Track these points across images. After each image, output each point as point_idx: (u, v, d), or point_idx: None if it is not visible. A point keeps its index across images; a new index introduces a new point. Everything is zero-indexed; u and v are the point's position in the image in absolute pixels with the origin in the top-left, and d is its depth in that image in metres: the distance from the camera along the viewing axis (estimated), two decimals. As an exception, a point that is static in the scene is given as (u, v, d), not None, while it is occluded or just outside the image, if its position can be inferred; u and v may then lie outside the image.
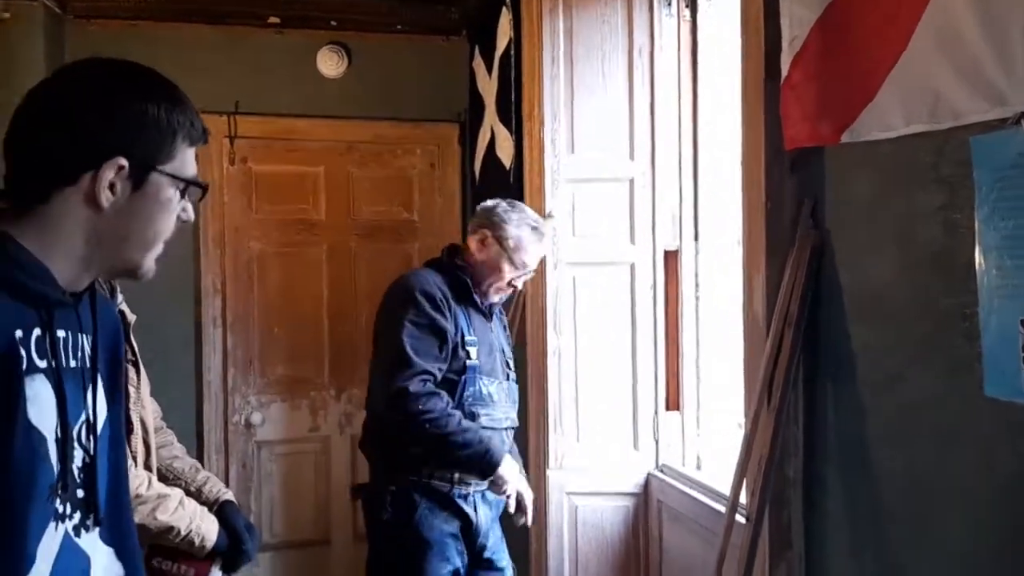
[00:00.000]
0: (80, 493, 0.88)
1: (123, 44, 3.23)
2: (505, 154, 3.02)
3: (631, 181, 2.52)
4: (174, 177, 0.88)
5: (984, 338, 0.97)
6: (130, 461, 1.46)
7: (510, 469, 1.93)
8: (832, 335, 1.35)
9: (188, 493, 1.64)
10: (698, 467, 2.44)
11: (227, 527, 1.57)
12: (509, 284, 2.07)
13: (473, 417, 1.94)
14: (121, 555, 0.96)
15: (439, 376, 1.91)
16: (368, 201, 3.52)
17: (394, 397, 1.85)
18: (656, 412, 2.47)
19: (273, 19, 3.35)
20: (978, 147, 0.96)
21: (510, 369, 2.12)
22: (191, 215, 0.95)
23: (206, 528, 1.52)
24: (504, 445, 2.00)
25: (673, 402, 2.50)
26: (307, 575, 3.40)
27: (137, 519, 1.42)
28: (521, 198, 2.69)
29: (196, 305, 3.32)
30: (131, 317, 1.61)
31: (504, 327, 2.21)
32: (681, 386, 2.50)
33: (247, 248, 3.38)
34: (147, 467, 1.57)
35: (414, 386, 1.84)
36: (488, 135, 3.22)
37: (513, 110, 2.85)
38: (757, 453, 1.39)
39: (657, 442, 2.46)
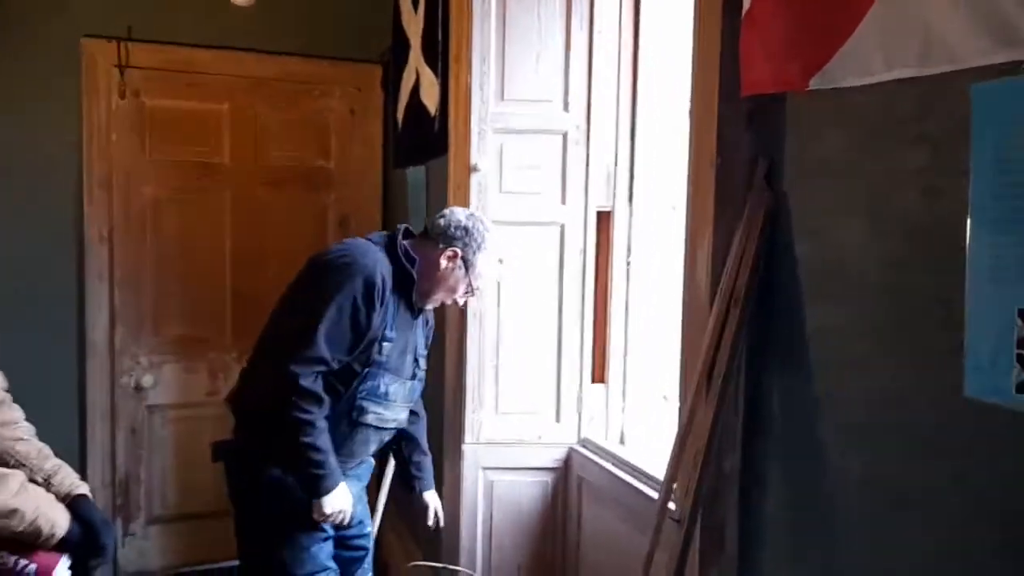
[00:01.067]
0: None
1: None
2: (430, 100, 2.76)
3: (564, 135, 2.32)
4: None
5: (969, 328, 0.83)
6: None
7: (336, 500, 1.82)
8: (784, 315, 1.19)
9: (36, 484, 1.40)
10: (621, 442, 2.32)
11: (81, 520, 1.36)
12: (457, 299, 1.98)
13: (361, 411, 1.87)
14: None
15: (335, 367, 1.79)
16: (279, 146, 3.21)
17: (281, 376, 1.74)
18: (580, 384, 2.32)
19: (175, -65, 2.97)
20: (980, 97, 0.80)
21: (419, 368, 2.00)
22: None
23: (56, 515, 1.30)
24: (367, 450, 1.97)
25: (599, 374, 2.36)
26: (204, 549, 3.15)
27: None
28: (445, 148, 2.46)
29: (79, 257, 2.97)
30: None
31: (426, 324, 2.06)
32: (608, 357, 2.35)
33: (139, 194, 3.04)
34: None
35: (304, 379, 1.75)
36: (413, 78, 2.95)
37: (440, 51, 2.59)
38: (692, 446, 1.24)
39: (580, 415, 2.32)
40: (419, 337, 2.00)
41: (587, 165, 2.32)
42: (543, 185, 2.33)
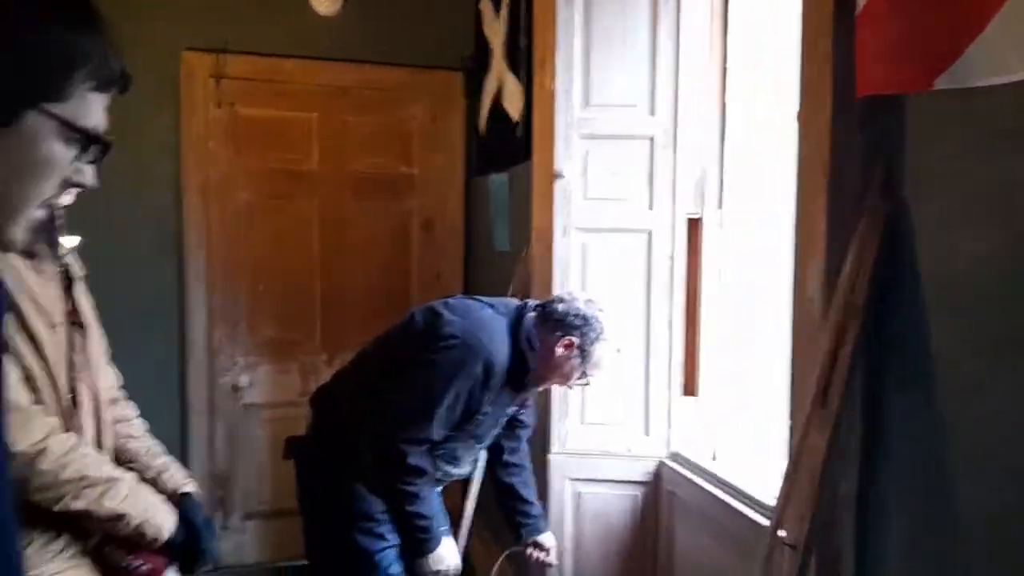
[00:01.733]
0: None
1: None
2: (513, 106, 2.75)
3: (651, 139, 2.27)
4: (63, 122, 0.67)
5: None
6: (76, 438, 1.27)
7: (440, 557, 1.89)
8: (905, 332, 1.12)
9: (143, 479, 1.46)
10: (714, 458, 2.25)
11: (185, 522, 1.40)
12: (565, 384, 1.98)
13: (433, 463, 1.91)
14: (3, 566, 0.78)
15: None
16: (364, 153, 3.27)
17: (389, 450, 1.83)
18: (670, 396, 2.27)
19: (264, -49, 3.06)
20: None
21: (496, 428, 2.01)
22: (89, 180, 0.73)
23: (160, 520, 1.34)
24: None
25: (689, 386, 2.30)
26: (296, 545, 3.26)
27: (83, 504, 1.24)
28: (528, 154, 2.45)
29: (179, 260, 3.11)
30: (78, 272, 1.41)
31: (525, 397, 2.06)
32: (698, 369, 2.29)
33: (234, 199, 3.15)
34: (98, 444, 1.38)
35: (412, 458, 1.82)
36: (495, 84, 2.95)
37: (523, 57, 2.57)
38: (806, 469, 1.18)
39: (670, 428, 2.27)
40: (510, 407, 2.00)
41: (675, 170, 2.26)
42: (629, 191, 2.28)
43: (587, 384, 1.95)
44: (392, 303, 3.10)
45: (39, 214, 0.70)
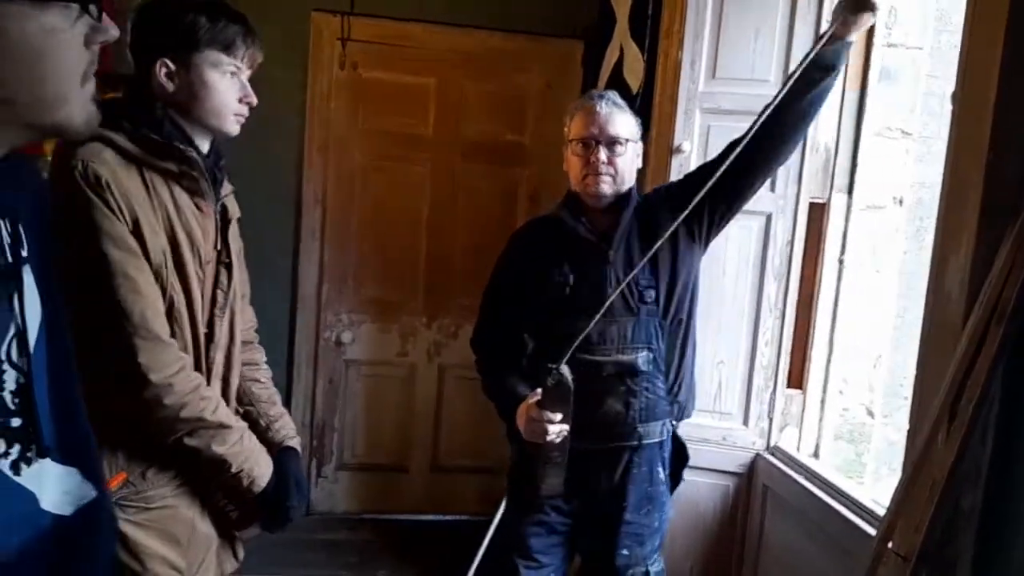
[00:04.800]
0: (16, 423, 0.71)
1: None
2: (633, 76, 2.67)
3: (779, 118, 2.14)
4: None
5: None
6: (201, 379, 1.32)
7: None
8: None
9: (257, 426, 1.51)
10: (815, 455, 2.14)
11: (280, 476, 1.44)
12: (590, 166, 1.76)
13: (569, 363, 1.69)
14: (88, 474, 0.81)
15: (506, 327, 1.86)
16: (478, 119, 3.27)
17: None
18: (775, 388, 2.17)
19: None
20: None
21: (641, 303, 1.76)
22: (112, 34, 0.69)
23: (258, 472, 1.39)
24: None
25: (796, 379, 2.18)
26: (382, 499, 3.36)
27: (194, 443, 1.29)
28: (648, 128, 2.37)
29: (297, 215, 3.22)
30: (234, 212, 1.47)
31: (635, 252, 1.78)
32: (808, 362, 2.17)
33: (350, 159, 3.23)
34: (225, 381, 1.44)
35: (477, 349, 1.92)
36: (616, 54, 2.87)
37: (649, 26, 2.49)
38: (928, 477, 1.09)
39: (771, 421, 2.16)
40: (620, 271, 1.78)
41: (803, 152, 2.13)
42: (751, 171, 2.17)
43: (597, 149, 1.75)
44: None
45: (88, 90, 0.68)
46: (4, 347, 0.70)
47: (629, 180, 1.81)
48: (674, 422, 1.84)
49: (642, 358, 1.74)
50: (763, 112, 1.55)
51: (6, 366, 0.70)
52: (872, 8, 1.54)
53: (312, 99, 3.16)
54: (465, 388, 3.21)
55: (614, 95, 1.82)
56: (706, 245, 1.84)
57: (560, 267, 1.78)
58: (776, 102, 1.54)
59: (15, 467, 0.70)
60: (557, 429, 1.63)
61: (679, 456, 1.88)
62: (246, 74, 1.36)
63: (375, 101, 3.20)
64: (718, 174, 1.55)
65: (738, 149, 1.58)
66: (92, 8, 0.67)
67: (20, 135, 0.68)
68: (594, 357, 1.72)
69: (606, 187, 1.76)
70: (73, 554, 0.79)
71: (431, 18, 3.15)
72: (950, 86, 2.26)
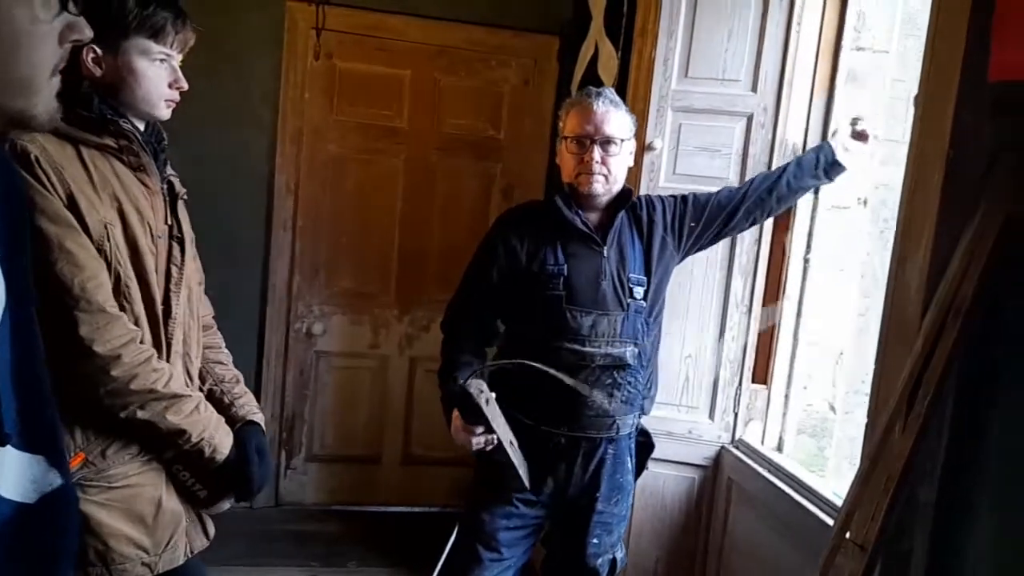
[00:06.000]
0: None
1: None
2: (607, 74, 2.70)
3: (749, 117, 2.19)
4: None
5: None
6: (152, 352, 1.31)
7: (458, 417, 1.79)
8: (1014, 336, 1.04)
9: (221, 404, 1.51)
10: (779, 449, 2.18)
11: (241, 446, 1.43)
12: (583, 165, 1.79)
13: (557, 352, 1.75)
14: (53, 460, 0.80)
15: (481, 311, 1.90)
16: (453, 113, 3.28)
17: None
18: (740, 382, 2.21)
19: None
20: None
21: (631, 299, 1.81)
22: (86, 34, 0.71)
23: (218, 440, 1.38)
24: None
25: (761, 374, 2.23)
26: (354, 490, 3.36)
27: (147, 415, 1.28)
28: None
29: (268, 204, 3.20)
30: (180, 190, 1.46)
31: (627, 249, 1.84)
32: (773, 357, 2.22)
33: (324, 150, 3.21)
34: (186, 358, 1.43)
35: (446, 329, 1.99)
36: (591, 51, 2.89)
37: (623, 24, 2.51)
38: (883, 470, 1.12)
39: (736, 415, 2.21)
40: (613, 265, 1.84)
41: (771, 151, 2.18)
42: (720, 169, 2.21)
43: (589, 148, 1.77)
44: (466, 264, 3.11)
45: (54, 84, 0.69)
46: None
47: (622, 179, 1.86)
48: (643, 414, 1.89)
49: (630, 352, 1.79)
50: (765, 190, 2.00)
51: None
52: (867, 138, 1.98)
53: (285, 88, 3.14)
54: (437, 381, 3.21)
55: (611, 92, 1.84)
56: (683, 258, 1.97)
57: (555, 253, 1.80)
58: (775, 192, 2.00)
59: None
60: (478, 441, 1.69)
61: (645, 446, 1.94)
62: (177, 59, 1.34)
63: (350, 92, 3.19)
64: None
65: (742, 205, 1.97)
66: (71, 6, 0.68)
67: None
68: (585, 348, 1.75)
69: (599, 186, 1.80)
70: (36, 542, 0.78)
71: (407, 10, 3.15)
72: (915, 89, 2.32)
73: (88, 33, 0.71)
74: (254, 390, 3.20)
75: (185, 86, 1.34)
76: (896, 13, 2.22)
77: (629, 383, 1.81)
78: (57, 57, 0.69)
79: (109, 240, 1.24)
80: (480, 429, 1.70)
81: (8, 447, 0.74)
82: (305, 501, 3.31)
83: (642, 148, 2.22)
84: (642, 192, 2.22)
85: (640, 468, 1.96)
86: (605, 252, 1.80)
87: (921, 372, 1.08)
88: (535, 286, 1.79)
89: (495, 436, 1.69)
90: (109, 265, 1.25)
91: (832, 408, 2.28)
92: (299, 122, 3.16)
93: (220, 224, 3.12)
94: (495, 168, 3.35)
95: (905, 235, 1.26)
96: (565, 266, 1.78)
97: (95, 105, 1.26)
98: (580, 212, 1.82)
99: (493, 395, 1.68)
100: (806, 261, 2.21)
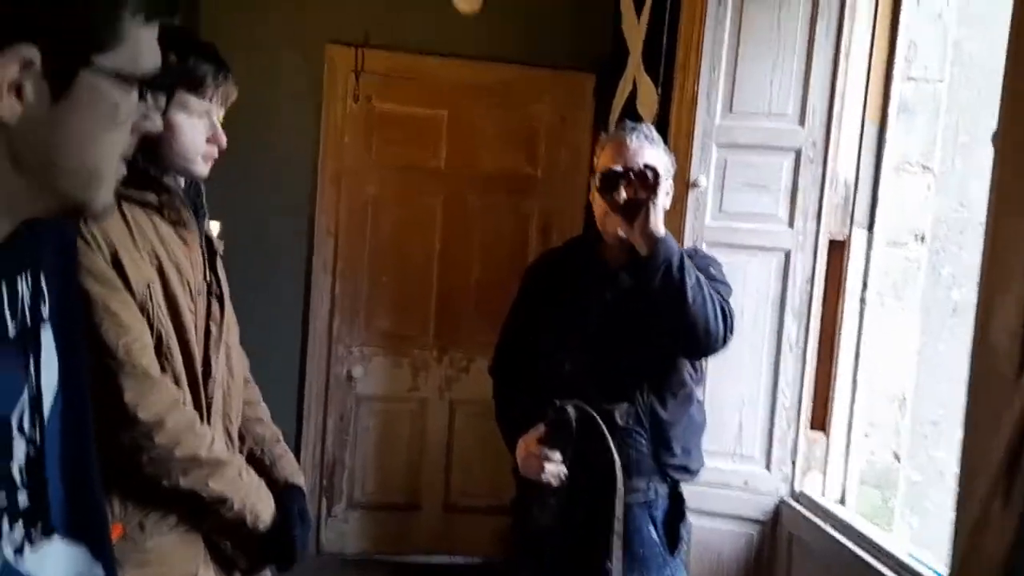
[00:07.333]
0: (23, 500, 0.65)
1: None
2: (647, 110, 2.64)
3: (797, 153, 2.11)
4: (119, 75, 0.60)
5: None
6: (195, 415, 1.26)
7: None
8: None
9: (261, 465, 1.46)
10: (842, 501, 2.06)
11: (283, 512, 1.38)
12: (612, 205, 1.61)
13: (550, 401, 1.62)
14: (96, 550, 0.75)
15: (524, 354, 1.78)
16: (490, 151, 3.25)
17: None
18: (797, 430, 2.10)
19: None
20: None
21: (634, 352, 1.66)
22: (156, 126, 0.67)
23: (260, 508, 1.33)
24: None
25: (819, 420, 2.11)
26: (393, 539, 3.29)
27: (190, 483, 1.23)
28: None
29: (309, 247, 3.20)
30: (218, 245, 1.43)
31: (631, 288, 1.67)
32: (832, 403, 2.10)
33: (363, 192, 3.21)
34: (226, 418, 1.39)
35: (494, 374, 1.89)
36: (629, 87, 2.85)
37: (663, 59, 2.46)
38: (989, 545, 1.01)
39: (794, 465, 2.09)
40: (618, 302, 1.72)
41: (822, 187, 2.09)
42: (768, 207, 2.13)
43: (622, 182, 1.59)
44: (504, 305, 3.05)
45: (120, 171, 0.66)
46: (16, 416, 0.64)
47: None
48: (673, 481, 1.71)
49: (620, 410, 1.63)
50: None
51: (17, 437, 0.64)
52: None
53: (325, 131, 3.15)
54: (477, 424, 3.14)
55: (647, 128, 1.72)
56: None
57: (568, 301, 1.72)
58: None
59: (19, 549, 0.65)
60: (554, 469, 1.56)
61: (675, 512, 1.72)
62: (218, 113, 1.30)
63: (388, 133, 3.19)
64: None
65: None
66: (149, 97, 0.65)
67: (48, 205, 0.64)
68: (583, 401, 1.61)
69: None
70: None
71: (445, 51, 3.15)
72: (964, 119, 2.20)
73: (159, 124, 0.68)
74: (295, 436, 3.19)
75: (224, 142, 1.31)
76: (947, 41, 2.13)
77: (626, 444, 1.62)
78: (126, 145, 0.65)
79: (151, 299, 1.21)
80: (559, 456, 1.56)
81: (55, 537, 0.70)
82: (347, 550, 3.25)
83: (686, 185, 2.15)
84: (687, 231, 2.15)
85: (672, 538, 1.71)
86: (607, 297, 1.68)
87: (1020, 442, 0.97)
88: (550, 331, 1.73)
89: (565, 470, 1.57)
90: (151, 324, 1.22)
91: (896, 457, 2.15)
92: (339, 165, 3.17)
93: (261, 268, 3.13)
94: (532, 206, 3.31)
95: (989, 278, 1.15)
96: (573, 311, 1.71)
97: (138, 161, 1.23)
98: (597, 255, 1.72)
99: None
100: (862, 301, 2.10)
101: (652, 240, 1.52)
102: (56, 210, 0.64)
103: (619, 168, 1.62)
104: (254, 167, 3.11)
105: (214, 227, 1.45)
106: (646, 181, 1.54)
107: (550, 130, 3.27)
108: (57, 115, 0.58)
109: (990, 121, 1.20)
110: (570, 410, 1.53)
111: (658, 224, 1.53)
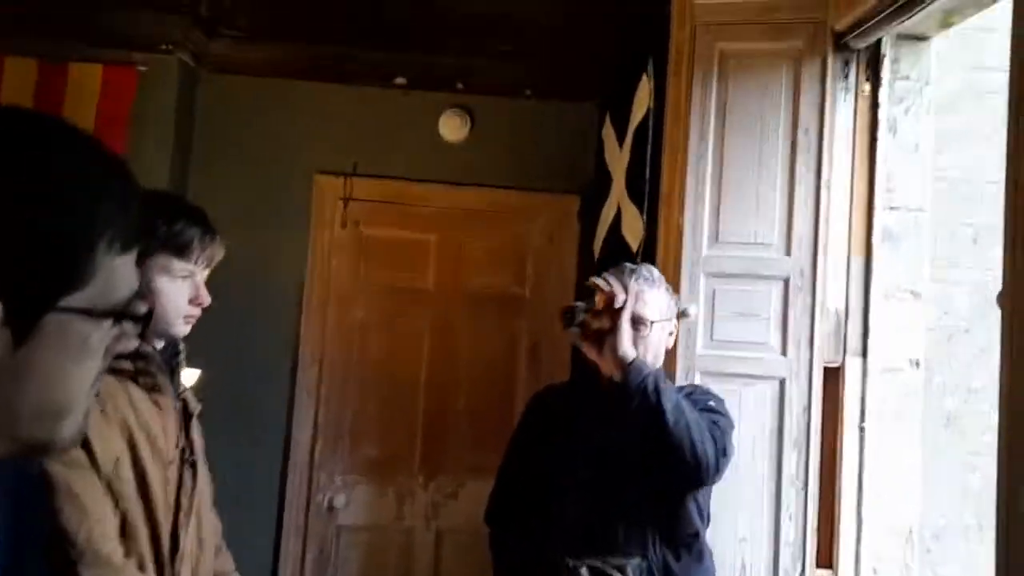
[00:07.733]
0: None
1: (255, 99, 3.18)
2: (632, 235, 2.68)
3: (786, 281, 2.11)
4: (89, 312, 0.53)
5: None
6: None
7: None
8: None
9: None
10: (856, 648, 1.94)
11: None
12: (578, 337, 1.69)
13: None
14: None
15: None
16: (479, 273, 3.26)
17: None
18: (803, 568, 2.00)
19: (400, 80, 3.22)
20: None
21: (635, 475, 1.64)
22: (131, 345, 0.59)
23: None
24: None
25: (825, 557, 2.02)
26: None
27: None
28: (650, 289, 2.33)
29: (292, 374, 3.13)
30: (194, 407, 1.37)
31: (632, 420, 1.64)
32: (837, 537, 2.02)
33: (350, 316, 3.18)
34: None
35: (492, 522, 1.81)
36: (613, 211, 2.90)
37: (647, 188, 2.52)
38: None
39: (803, 607, 1.98)
40: (616, 433, 1.71)
41: (812, 315, 2.08)
42: (760, 335, 2.12)
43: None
44: (494, 428, 2.98)
45: (91, 399, 0.58)
46: None
47: (654, 362, 1.71)
48: None
49: (632, 566, 1.57)
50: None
51: None
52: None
53: (313, 257, 3.16)
54: (465, 555, 3.00)
55: (647, 270, 1.76)
56: None
57: (562, 442, 1.69)
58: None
59: None
60: None
61: None
62: (202, 275, 1.29)
63: (376, 256, 3.20)
64: None
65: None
66: (126, 324, 0.58)
67: (7, 449, 0.56)
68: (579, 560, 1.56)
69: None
70: None
71: (431, 178, 3.21)
72: (945, 244, 2.22)
73: (133, 344, 0.60)
74: (271, 572, 3.02)
75: (206, 302, 1.29)
76: (927, 171, 2.19)
77: None
78: (100, 370, 0.58)
79: (118, 476, 1.15)
80: None
81: None
82: None
83: (677, 316, 2.14)
84: (680, 361, 2.12)
85: None
86: (613, 438, 1.66)
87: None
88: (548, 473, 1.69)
89: None
90: (116, 502, 1.15)
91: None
92: (325, 290, 3.16)
93: (242, 394, 3.05)
94: (521, 326, 3.29)
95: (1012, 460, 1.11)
96: (569, 453, 1.69)
97: None
98: (597, 395, 1.70)
99: None
100: (861, 430, 2.06)
101: (622, 364, 1.55)
102: (15, 453, 0.57)
103: (578, 303, 1.69)
104: (238, 295, 3.09)
105: (193, 375, 1.40)
106: (610, 308, 1.58)
107: (538, 251, 3.30)
108: (19, 360, 0.52)
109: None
110: (584, 573, 1.46)
111: (626, 348, 1.57)
